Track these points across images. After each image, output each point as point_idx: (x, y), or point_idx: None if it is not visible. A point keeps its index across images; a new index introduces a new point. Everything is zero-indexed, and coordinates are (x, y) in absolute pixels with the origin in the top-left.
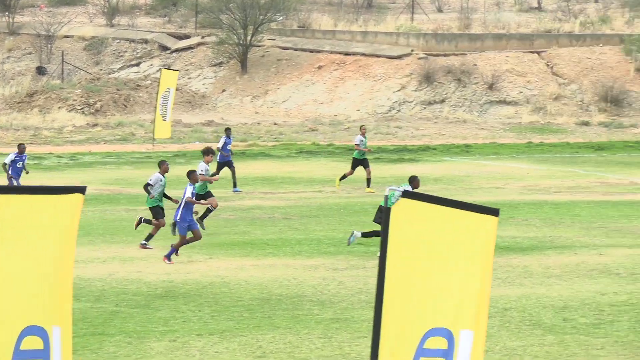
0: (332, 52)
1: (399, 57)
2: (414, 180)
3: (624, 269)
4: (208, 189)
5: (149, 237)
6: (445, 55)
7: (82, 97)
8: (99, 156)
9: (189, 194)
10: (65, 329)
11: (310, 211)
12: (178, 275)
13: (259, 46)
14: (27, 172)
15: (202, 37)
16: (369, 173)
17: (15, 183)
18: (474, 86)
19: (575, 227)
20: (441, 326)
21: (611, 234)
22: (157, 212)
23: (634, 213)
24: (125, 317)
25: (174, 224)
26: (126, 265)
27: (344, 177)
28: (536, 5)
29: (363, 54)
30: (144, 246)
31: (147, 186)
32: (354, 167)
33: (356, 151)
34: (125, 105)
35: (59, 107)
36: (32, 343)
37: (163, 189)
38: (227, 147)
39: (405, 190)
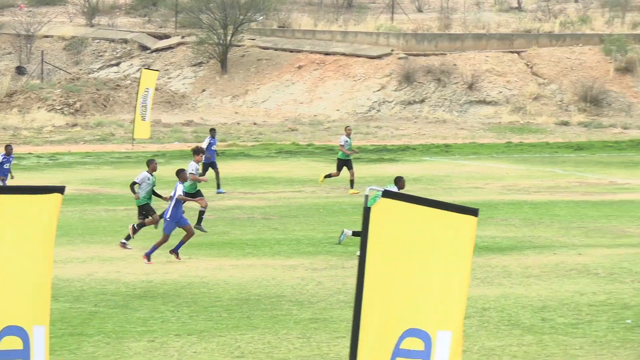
0: (312, 52)
1: (379, 57)
2: (399, 181)
3: (603, 269)
4: (198, 189)
5: (128, 237)
6: (425, 55)
7: (61, 97)
8: (79, 156)
9: (179, 192)
10: (47, 328)
11: (290, 211)
12: (157, 276)
13: (239, 46)
14: (12, 177)
15: (182, 37)
16: (352, 174)
17: (1, 184)
18: (453, 86)
19: (555, 227)
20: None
21: (590, 234)
22: (148, 209)
23: (613, 213)
24: (103, 317)
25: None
26: (105, 265)
27: (329, 175)
28: (516, 5)
29: (343, 54)
30: (123, 245)
31: (133, 185)
32: (339, 168)
33: (340, 152)
34: (104, 105)
35: (39, 107)
36: (11, 343)
37: (152, 188)
38: (212, 148)
39: (385, 190)
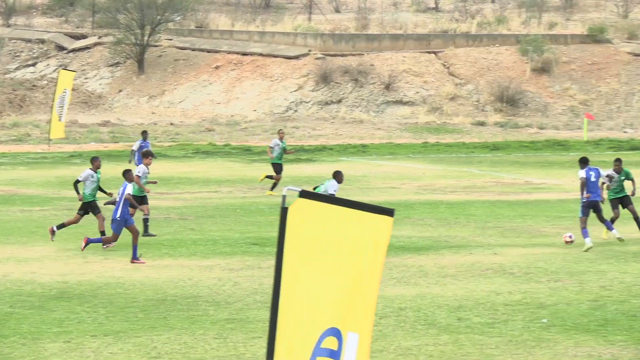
0: (229, 52)
1: (296, 57)
2: (338, 175)
3: (519, 268)
4: (144, 193)
5: (102, 236)
6: (342, 55)
7: None
8: None
9: (129, 191)
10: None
11: (206, 211)
12: (73, 277)
13: (156, 46)
14: None
15: (99, 37)
16: (278, 177)
17: None
18: (370, 86)
19: (471, 227)
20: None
21: (506, 234)
22: (94, 207)
23: (529, 213)
24: (19, 318)
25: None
26: (21, 266)
27: (270, 176)
28: (433, 6)
29: (260, 54)
30: (106, 247)
31: (76, 183)
32: (278, 171)
33: (275, 156)
34: (20, 106)
35: None
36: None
37: (97, 185)
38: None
39: (302, 190)
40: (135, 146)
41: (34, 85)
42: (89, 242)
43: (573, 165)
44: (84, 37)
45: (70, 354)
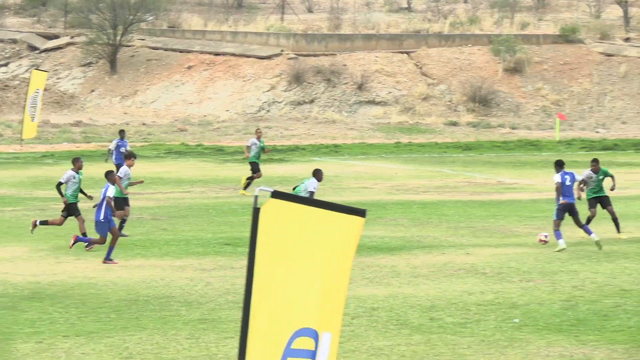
0: (202, 52)
1: (269, 57)
2: (317, 173)
3: (491, 268)
4: (127, 195)
5: (84, 236)
6: (315, 55)
7: None
8: None
9: (109, 194)
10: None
11: (179, 212)
12: (45, 277)
13: (129, 46)
14: None
15: (72, 37)
16: (259, 175)
17: None
18: (343, 86)
19: (443, 227)
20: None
21: (478, 234)
22: (74, 209)
23: (501, 212)
24: None
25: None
26: None
27: (251, 178)
28: (406, 6)
29: (233, 54)
30: (89, 248)
31: (59, 185)
32: (257, 170)
33: (252, 155)
34: None
35: None
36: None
37: (78, 186)
38: (121, 150)
39: (274, 191)
40: (112, 145)
41: (6, 86)
42: (77, 240)
43: (545, 165)
44: (56, 37)
45: (42, 354)
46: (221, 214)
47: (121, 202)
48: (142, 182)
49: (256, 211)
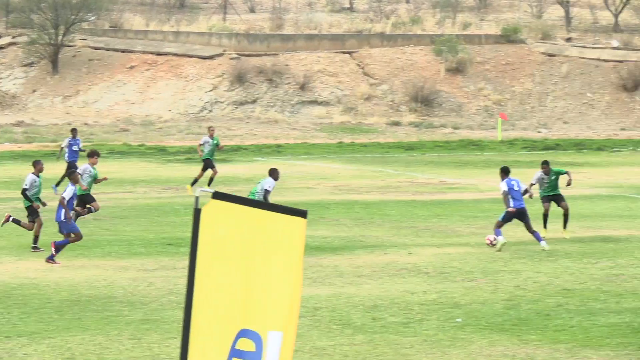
0: (144, 52)
1: (211, 57)
2: (274, 172)
3: (433, 268)
4: (88, 192)
5: (35, 241)
6: (257, 55)
7: None
8: None
9: (65, 195)
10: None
11: (121, 212)
12: None
13: (71, 46)
14: None
15: (13, 37)
16: (200, 176)
17: None
18: (285, 86)
19: (386, 227)
20: (250, 328)
21: (420, 234)
22: (33, 212)
23: (443, 212)
24: None
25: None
26: None
27: (194, 181)
28: (348, 6)
29: (175, 54)
30: (35, 249)
31: (24, 191)
32: (204, 169)
33: (205, 152)
34: None
35: None
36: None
37: (39, 189)
38: (73, 148)
39: (215, 192)
40: (65, 143)
41: None
42: (57, 246)
43: (487, 165)
44: None
45: None
46: (163, 214)
47: (83, 199)
48: (105, 179)
49: (197, 212)
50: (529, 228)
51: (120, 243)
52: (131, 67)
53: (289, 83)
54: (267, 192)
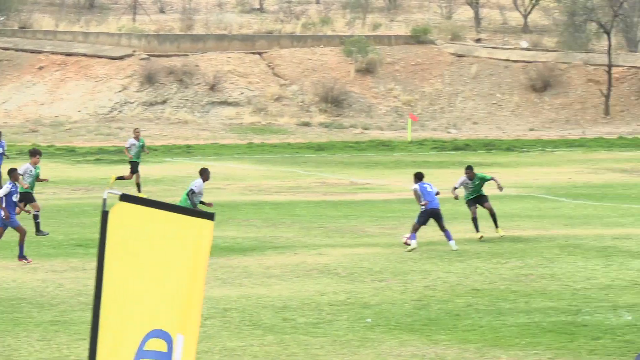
0: (53, 53)
1: (121, 57)
2: (203, 173)
3: (343, 268)
4: (30, 191)
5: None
6: (167, 56)
7: None
8: None
9: (3, 192)
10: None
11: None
12: None
13: None
14: None
15: None
16: (130, 177)
17: None
18: (195, 87)
19: (296, 227)
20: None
21: (331, 234)
22: None
23: (353, 213)
24: None
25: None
26: None
27: (121, 178)
28: (258, 7)
29: (85, 55)
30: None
31: None
32: (133, 171)
33: (133, 154)
34: None
35: None
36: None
37: None
38: None
39: (123, 194)
40: None
41: None
42: (21, 255)
43: (397, 165)
44: None
45: None
46: (73, 215)
47: (24, 198)
48: (47, 180)
49: (105, 214)
50: (441, 227)
51: (29, 244)
52: (40, 68)
53: (199, 84)
54: (191, 192)
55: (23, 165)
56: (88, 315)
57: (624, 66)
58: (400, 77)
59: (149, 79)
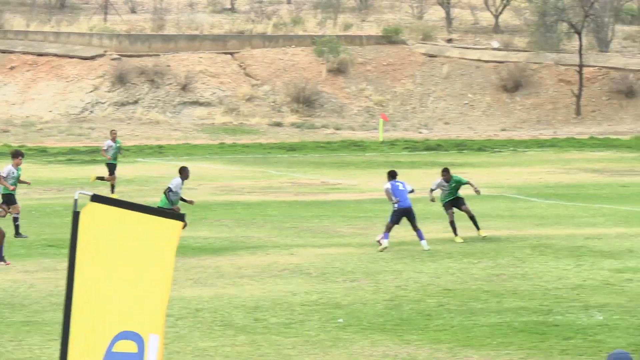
0: (24, 53)
1: (92, 57)
2: (182, 171)
3: (315, 268)
4: (11, 192)
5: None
6: (138, 56)
7: None
8: None
9: None
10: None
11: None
12: None
13: None
14: None
15: None
16: (111, 179)
17: None
18: (167, 87)
19: (267, 228)
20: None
21: (302, 234)
22: None
23: (325, 213)
24: None
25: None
26: None
27: (101, 178)
28: (229, 7)
29: (56, 55)
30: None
31: None
32: (112, 171)
33: (111, 156)
34: None
35: None
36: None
37: None
38: None
39: (94, 195)
40: None
41: None
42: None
43: (369, 165)
44: None
45: None
46: (44, 216)
47: (6, 200)
48: (29, 183)
49: (76, 215)
50: (413, 226)
51: None
52: (11, 68)
53: (170, 84)
54: (168, 189)
55: (5, 167)
56: (60, 316)
57: (595, 66)
58: (371, 77)
59: (121, 79)
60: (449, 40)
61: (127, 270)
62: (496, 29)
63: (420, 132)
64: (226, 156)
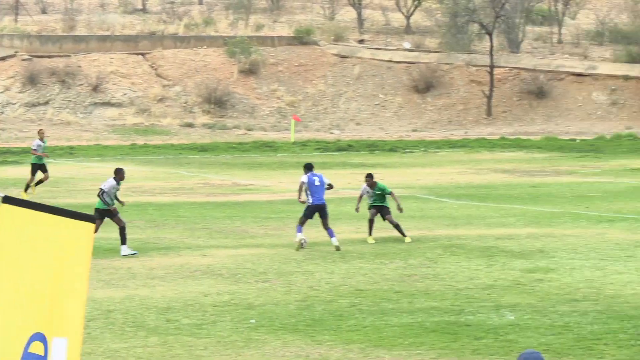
0: None
1: (3, 58)
2: (117, 172)
3: (227, 269)
4: None
5: None
6: (49, 56)
7: None
8: None
9: None
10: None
11: None
12: None
13: None
14: None
15: None
16: (46, 177)
17: None
18: (78, 88)
19: (179, 229)
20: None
21: (214, 235)
22: None
23: (237, 214)
24: None
25: None
26: None
27: (27, 186)
28: (141, 7)
29: None
30: None
31: None
32: (34, 173)
33: (34, 156)
34: None
35: None
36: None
37: None
38: None
39: (5, 196)
40: None
41: None
42: None
43: (280, 166)
44: None
45: None
46: None
47: None
48: None
49: None
50: (325, 224)
51: None
52: None
53: (81, 84)
54: (101, 191)
55: None
56: None
57: (505, 67)
58: (283, 78)
59: (31, 80)
60: (361, 41)
61: (39, 272)
62: (407, 30)
63: (331, 133)
64: (137, 157)
